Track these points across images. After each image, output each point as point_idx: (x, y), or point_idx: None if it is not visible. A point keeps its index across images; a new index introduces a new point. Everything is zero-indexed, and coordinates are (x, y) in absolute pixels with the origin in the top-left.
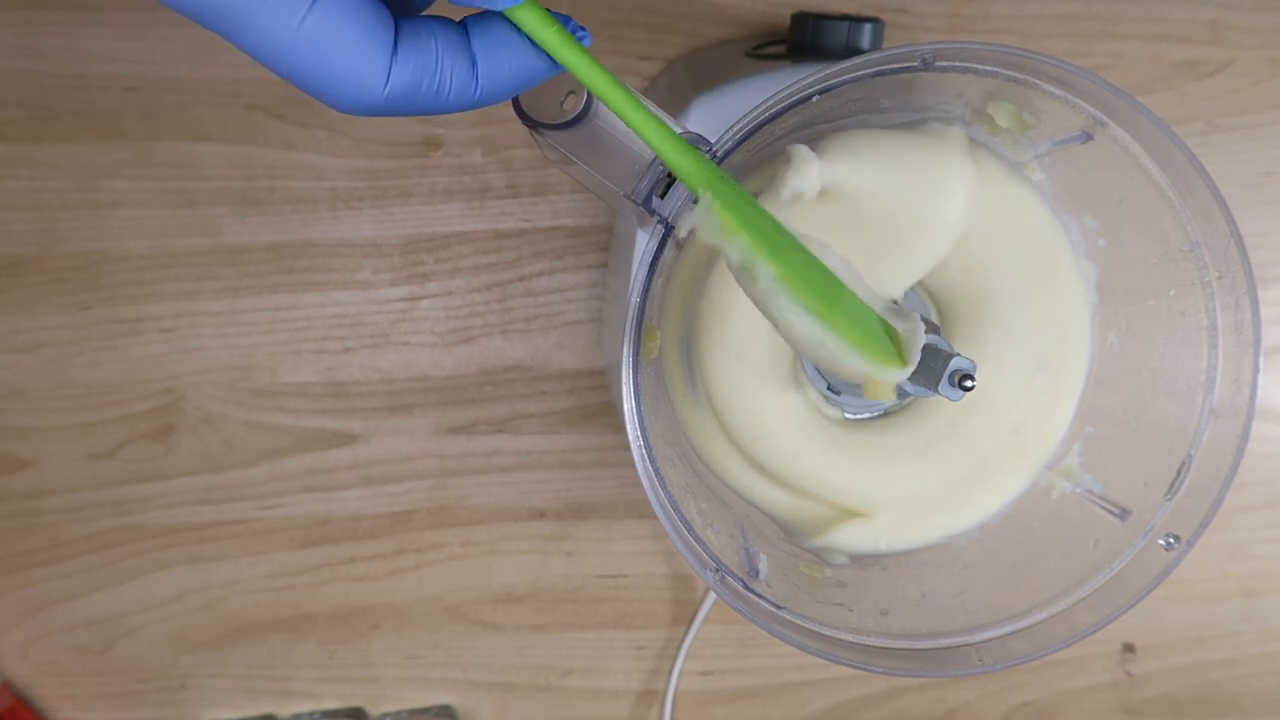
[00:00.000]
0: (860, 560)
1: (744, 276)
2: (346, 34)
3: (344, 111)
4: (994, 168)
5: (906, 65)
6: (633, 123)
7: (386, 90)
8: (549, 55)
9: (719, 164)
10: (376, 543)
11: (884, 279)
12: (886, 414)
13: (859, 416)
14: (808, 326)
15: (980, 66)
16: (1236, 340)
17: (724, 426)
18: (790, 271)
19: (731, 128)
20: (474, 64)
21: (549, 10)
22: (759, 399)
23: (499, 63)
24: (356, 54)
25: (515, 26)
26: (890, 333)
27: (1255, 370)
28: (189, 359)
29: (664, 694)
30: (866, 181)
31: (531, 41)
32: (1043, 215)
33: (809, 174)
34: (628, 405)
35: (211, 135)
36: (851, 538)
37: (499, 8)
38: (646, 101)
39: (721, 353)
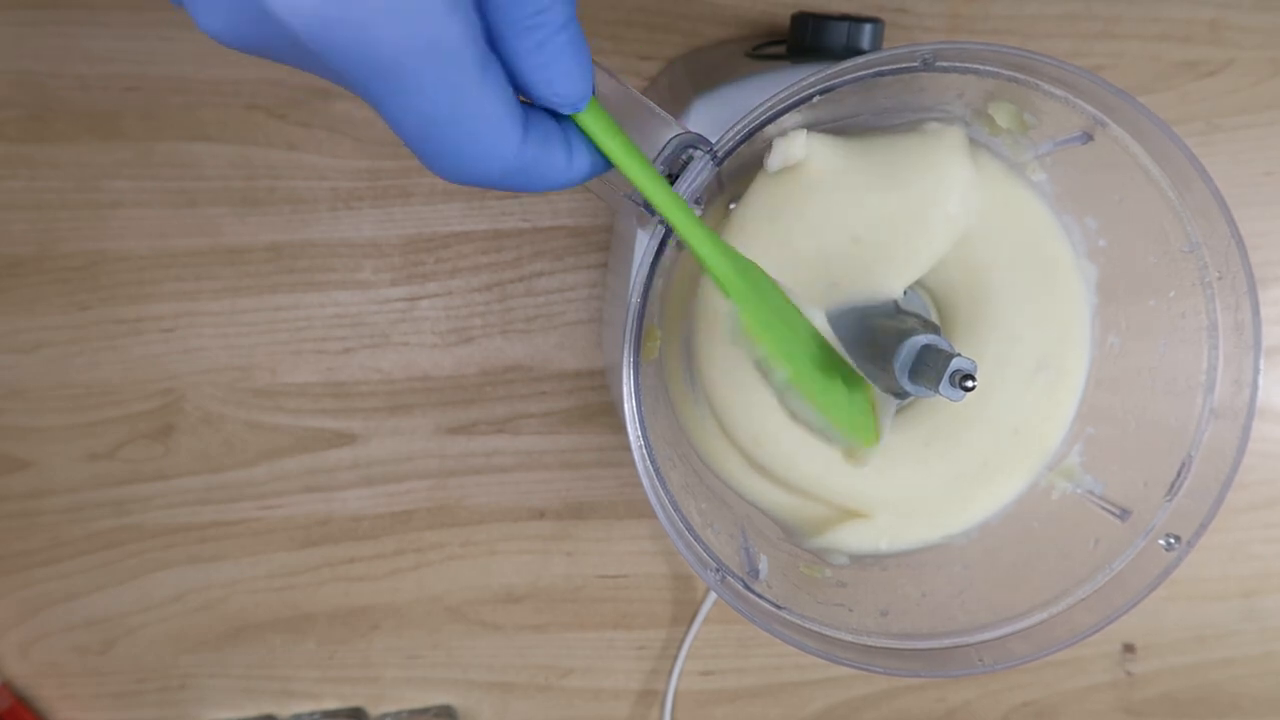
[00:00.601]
0: (860, 560)
1: (763, 368)
2: (496, 113)
3: (450, 180)
4: (994, 168)
5: (906, 65)
6: (684, 235)
7: (513, 164)
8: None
9: (718, 164)
10: (376, 543)
11: (884, 278)
12: None
13: None
14: (811, 415)
15: (981, 67)
16: (1237, 340)
17: (724, 426)
18: (799, 375)
19: (731, 128)
20: (570, 151)
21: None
22: (759, 399)
23: (589, 152)
24: (498, 130)
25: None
26: (868, 398)
27: (1255, 370)
28: (189, 359)
29: (664, 694)
30: (866, 180)
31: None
32: (1043, 215)
33: (795, 143)
34: (628, 405)
35: (212, 135)
36: (852, 538)
37: (566, 110)
38: (697, 214)
39: (721, 352)
